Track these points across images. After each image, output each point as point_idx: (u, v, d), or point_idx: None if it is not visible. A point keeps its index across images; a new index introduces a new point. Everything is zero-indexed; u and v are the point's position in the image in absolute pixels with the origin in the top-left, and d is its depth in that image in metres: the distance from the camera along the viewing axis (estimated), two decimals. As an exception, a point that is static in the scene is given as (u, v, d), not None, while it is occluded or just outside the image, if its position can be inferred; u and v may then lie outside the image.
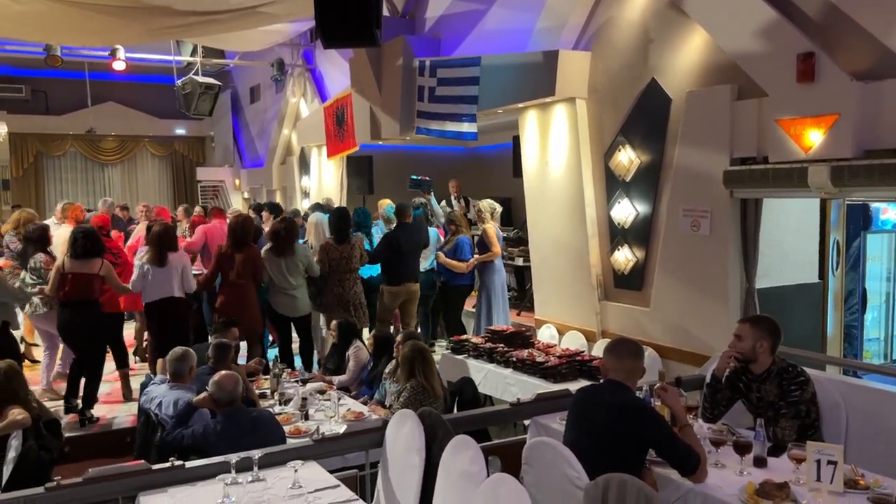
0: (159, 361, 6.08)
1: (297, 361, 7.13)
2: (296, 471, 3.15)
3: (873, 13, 4.27)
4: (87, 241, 6.20)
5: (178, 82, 12.03)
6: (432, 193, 8.73)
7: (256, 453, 3.23)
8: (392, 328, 7.75)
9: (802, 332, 5.62)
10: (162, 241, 6.38)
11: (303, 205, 13.37)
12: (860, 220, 6.55)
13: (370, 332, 7.24)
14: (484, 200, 8.03)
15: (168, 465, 3.25)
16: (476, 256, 7.66)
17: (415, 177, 8.32)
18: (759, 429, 3.35)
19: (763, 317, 4.05)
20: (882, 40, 4.22)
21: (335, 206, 9.62)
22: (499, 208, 8.09)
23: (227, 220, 7.43)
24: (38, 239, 6.78)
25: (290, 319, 6.99)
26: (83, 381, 6.43)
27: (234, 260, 6.59)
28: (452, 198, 9.91)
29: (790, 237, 5.69)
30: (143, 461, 3.34)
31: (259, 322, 6.82)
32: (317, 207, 9.46)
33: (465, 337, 6.74)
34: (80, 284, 6.11)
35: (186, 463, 3.31)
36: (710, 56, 5.40)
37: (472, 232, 8.28)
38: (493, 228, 7.72)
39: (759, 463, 3.28)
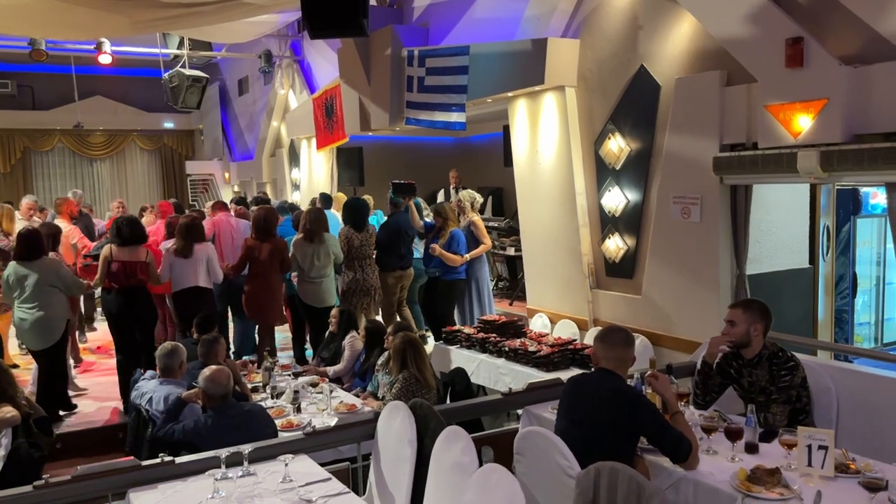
0: None
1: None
2: (286, 465, 3.14)
3: (861, -3, 4.26)
4: (132, 228, 6.29)
5: (165, 75, 11.92)
6: (416, 197, 8.75)
7: (247, 448, 3.21)
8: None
9: (793, 317, 5.64)
10: (189, 233, 6.48)
11: (293, 197, 13.31)
12: (850, 205, 6.55)
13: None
14: (464, 191, 7.98)
15: (157, 461, 3.23)
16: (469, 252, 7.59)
17: (397, 181, 8.17)
18: (751, 415, 3.35)
19: (753, 300, 4.05)
20: (870, 24, 4.21)
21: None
22: (479, 199, 8.04)
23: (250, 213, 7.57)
24: (51, 236, 6.79)
25: (310, 310, 7.04)
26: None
27: (262, 251, 6.65)
28: (451, 188, 9.82)
29: (780, 223, 5.69)
30: (132, 457, 3.32)
31: (282, 313, 6.98)
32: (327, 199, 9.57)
33: (457, 327, 6.73)
34: (128, 271, 6.18)
35: (176, 459, 3.29)
36: (699, 42, 5.38)
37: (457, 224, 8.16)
38: (481, 220, 7.70)
39: (751, 449, 3.29)
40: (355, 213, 7.37)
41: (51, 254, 6.56)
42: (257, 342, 7.10)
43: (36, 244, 5.96)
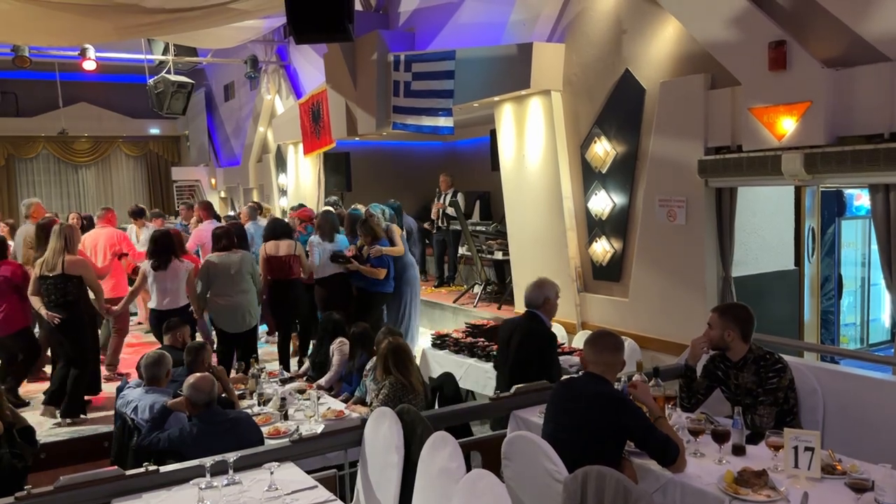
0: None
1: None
2: (272, 473, 3.11)
3: (843, 0, 4.29)
4: (279, 226, 7.36)
5: (150, 81, 11.86)
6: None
7: (231, 456, 3.17)
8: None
9: (779, 319, 5.66)
10: (330, 226, 7.30)
11: (280, 203, 13.27)
12: (834, 207, 6.60)
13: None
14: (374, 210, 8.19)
15: (141, 470, 3.19)
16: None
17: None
18: (737, 417, 3.35)
19: (731, 305, 4.05)
20: (852, 27, 4.25)
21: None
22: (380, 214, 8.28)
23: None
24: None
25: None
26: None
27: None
28: (443, 193, 9.71)
29: (765, 225, 5.72)
30: (116, 467, 3.27)
31: None
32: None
33: (445, 332, 6.71)
34: (281, 265, 7.04)
35: (160, 468, 3.25)
36: (683, 46, 5.40)
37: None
38: (398, 229, 7.56)
39: (738, 451, 3.28)
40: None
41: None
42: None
43: (232, 238, 6.80)
